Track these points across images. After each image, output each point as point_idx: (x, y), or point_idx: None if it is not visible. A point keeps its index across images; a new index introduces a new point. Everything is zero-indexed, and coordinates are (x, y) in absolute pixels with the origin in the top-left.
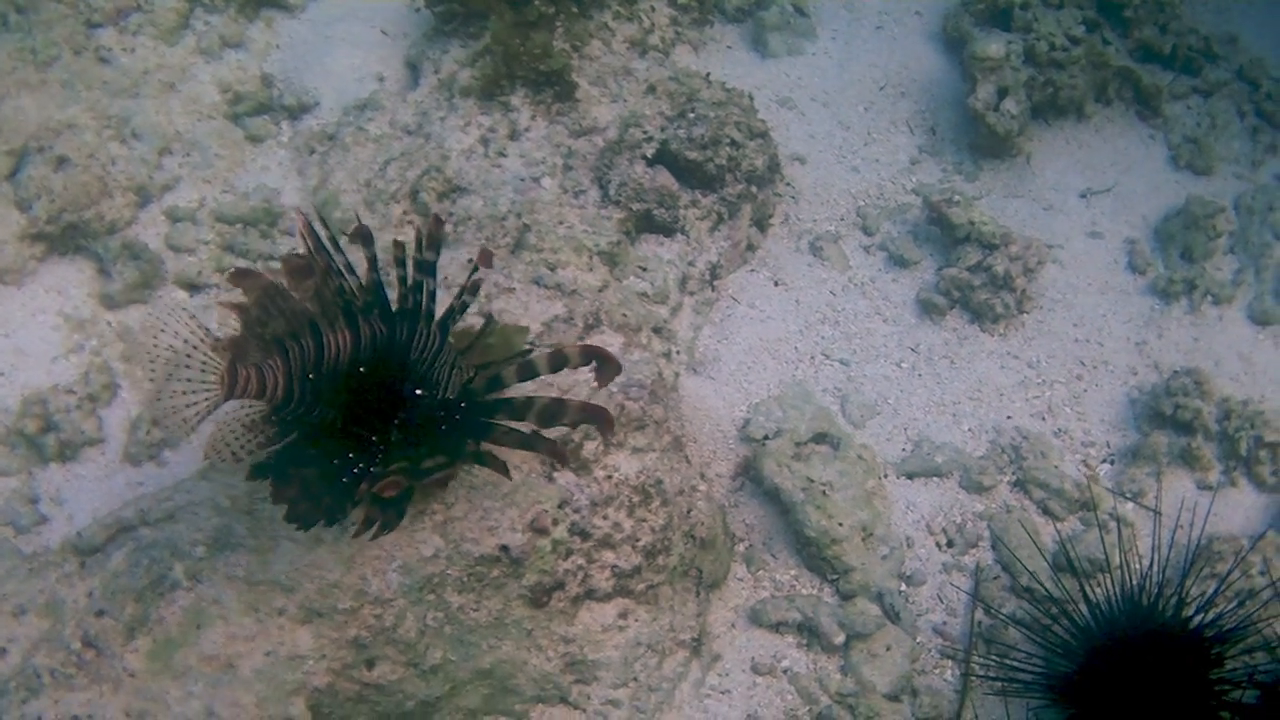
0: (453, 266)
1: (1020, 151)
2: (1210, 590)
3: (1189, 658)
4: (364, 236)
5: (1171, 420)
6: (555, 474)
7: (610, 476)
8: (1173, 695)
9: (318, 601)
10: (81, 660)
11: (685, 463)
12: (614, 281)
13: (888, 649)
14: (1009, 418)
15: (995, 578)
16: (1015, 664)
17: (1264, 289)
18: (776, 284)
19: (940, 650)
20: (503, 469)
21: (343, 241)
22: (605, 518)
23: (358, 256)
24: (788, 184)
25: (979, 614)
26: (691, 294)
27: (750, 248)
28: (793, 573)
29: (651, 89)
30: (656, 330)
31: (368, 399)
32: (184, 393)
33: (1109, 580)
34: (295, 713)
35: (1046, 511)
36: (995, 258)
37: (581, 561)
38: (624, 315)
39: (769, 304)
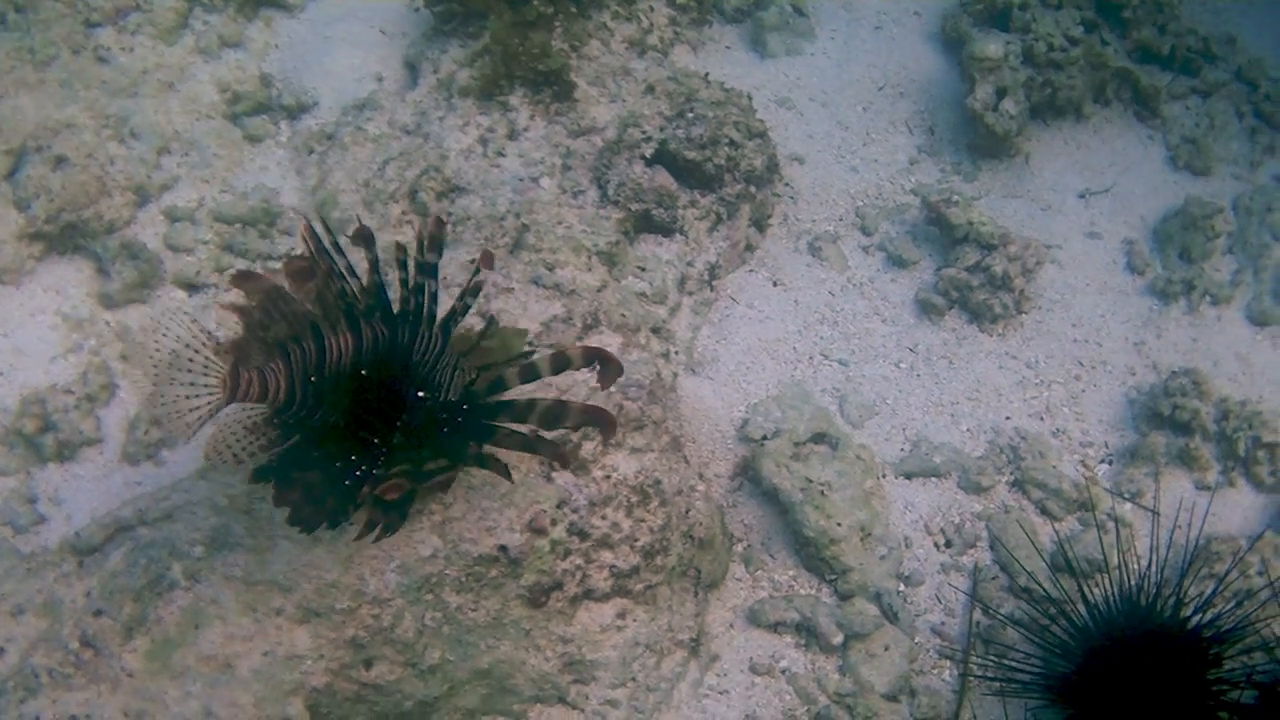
0: (451, 266)
1: (1019, 152)
2: (1208, 590)
3: (1187, 658)
4: (365, 238)
5: (1170, 420)
6: (553, 474)
7: (608, 476)
8: (1171, 695)
9: (316, 601)
10: (79, 660)
11: (684, 463)
12: (612, 281)
13: (886, 649)
14: (1007, 418)
15: (993, 578)
16: (1013, 664)
17: (1262, 289)
18: (775, 284)
19: (938, 650)
20: (505, 472)
21: (343, 243)
22: (603, 518)
23: (359, 258)
24: (786, 184)
25: (977, 614)
26: (690, 294)
27: (749, 248)
28: (791, 573)
29: (650, 89)
30: (655, 330)
31: (370, 402)
32: (186, 395)
33: (1107, 580)
34: (293, 713)
35: (1045, 512)
36: (994, 258)
37: (580, 561)
38: (622, 315)
39: (767, 304)
